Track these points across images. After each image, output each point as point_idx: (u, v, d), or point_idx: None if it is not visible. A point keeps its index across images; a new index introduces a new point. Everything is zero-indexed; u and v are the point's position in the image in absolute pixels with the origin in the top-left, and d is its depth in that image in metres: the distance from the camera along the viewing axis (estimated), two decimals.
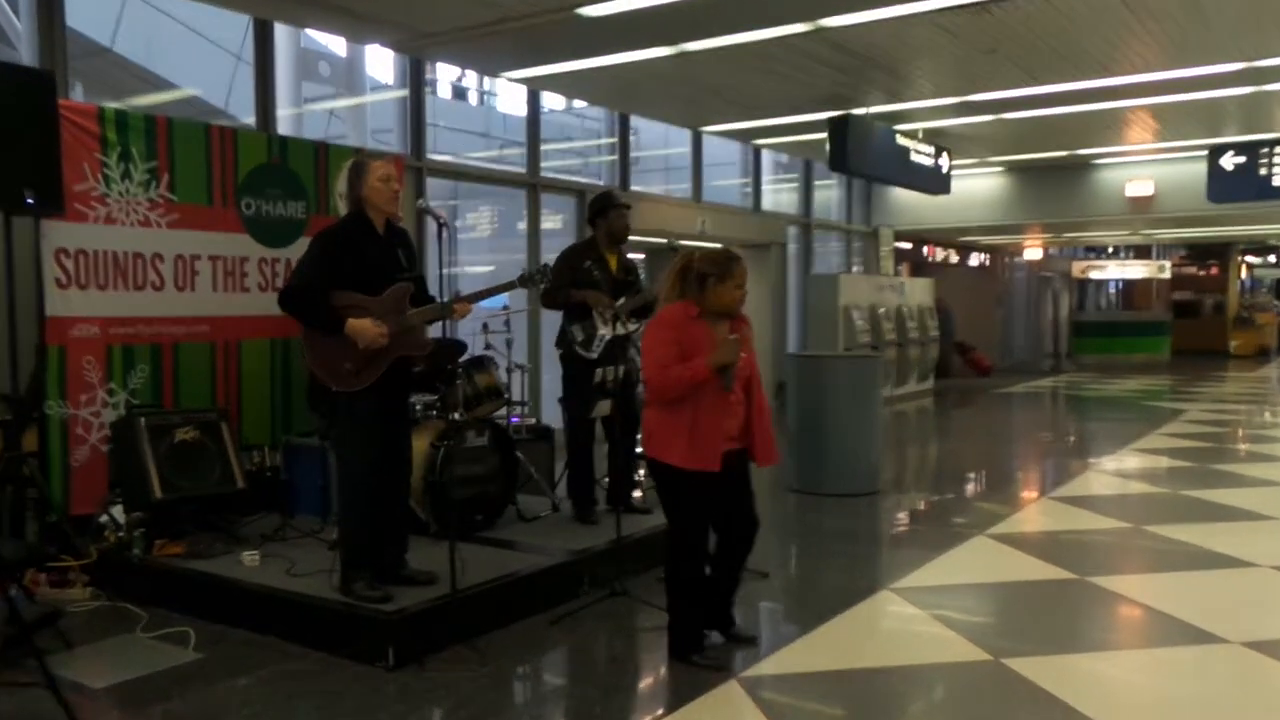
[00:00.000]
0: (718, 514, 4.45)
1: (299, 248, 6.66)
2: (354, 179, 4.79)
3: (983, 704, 4.16)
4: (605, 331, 6.07)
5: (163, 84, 9.70)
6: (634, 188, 12.38)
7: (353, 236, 4.75)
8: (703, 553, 4.42)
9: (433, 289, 5.07)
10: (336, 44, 10.63)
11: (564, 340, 6.28)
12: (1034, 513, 8.01)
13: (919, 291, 17.54)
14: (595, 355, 6.06)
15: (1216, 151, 13.39)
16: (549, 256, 10.94)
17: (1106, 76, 10.03)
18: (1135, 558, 6.50)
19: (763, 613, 5.47)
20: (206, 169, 6.24)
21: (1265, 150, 13.10)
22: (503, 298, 7.13)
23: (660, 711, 4.08)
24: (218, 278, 6.30)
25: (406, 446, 5.03)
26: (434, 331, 5.20)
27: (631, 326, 6.26)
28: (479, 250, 12.55)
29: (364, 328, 4.62)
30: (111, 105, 6.07)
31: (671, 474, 4.32)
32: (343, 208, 6.12)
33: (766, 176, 15.69)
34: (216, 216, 6.30)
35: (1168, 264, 29.57)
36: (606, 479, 6.56)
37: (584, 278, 6.15)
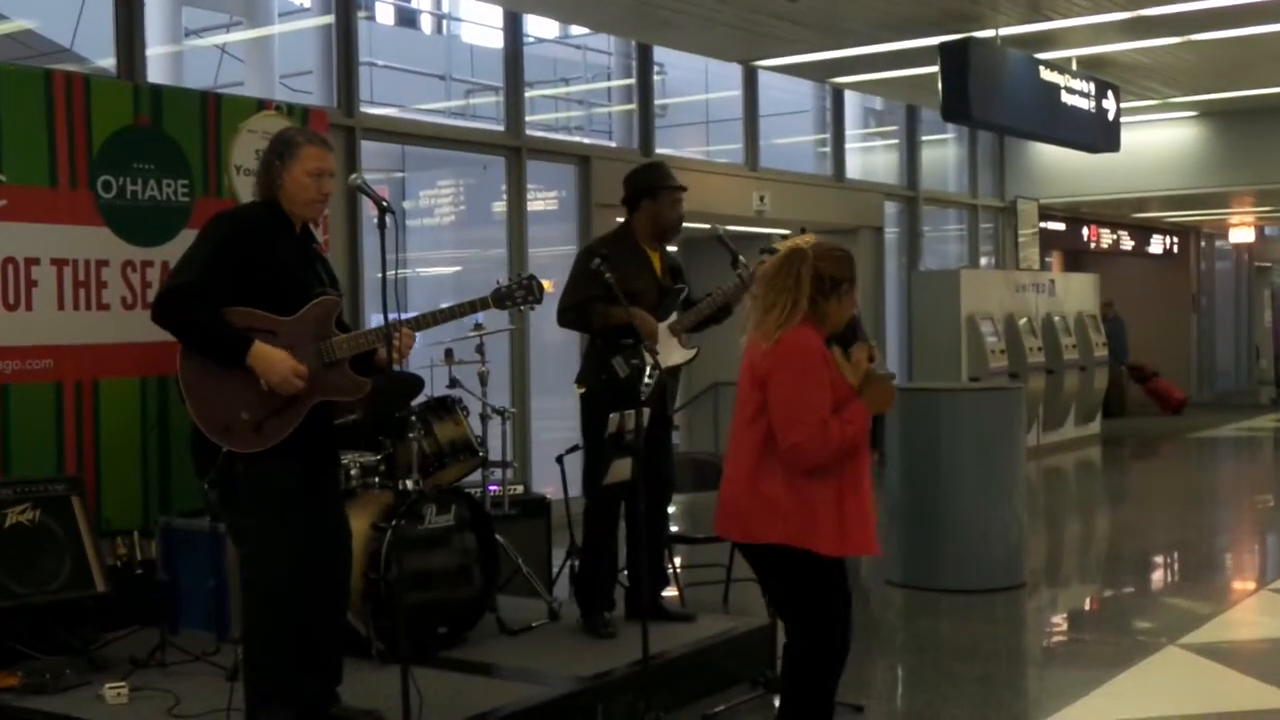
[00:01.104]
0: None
1: (181, 245, 6.69)
2: (275, 157, 4.80)
3: None
4: (655, 362, 5.94)
5: None
6: (660, 150, 12.44)
7: (265, 228, 4.78)
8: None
9: (373, 299, 5.08)
10: None
11: (593, 376, 6.27)
12: (1250, 612, 7.93)
13: (1078, 292, 17.45)
14: (645, 393, 6.01)
15: None
16: (540, 252, 11.02)
17: None
18: None
19: None
20: (47, 135, 6.27)
21: None
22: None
23: None
24: (65, 290, 6.33)
25: (342, 530, 5.05)
26: None
27: (689, 353, 6.31)
28: (440, 243, 12.62)
29: (275, 359, 4.62)
30: None
31: (814, 567, 4.39)
32: (244, 191, 6.15)
33: (852, 131, 15.69)
34: (62, 203, 6.33)
35: None
36: (624, 572, 6.55)
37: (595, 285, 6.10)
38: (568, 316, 6.35)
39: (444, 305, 5.13)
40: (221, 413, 4.65)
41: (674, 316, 6.26)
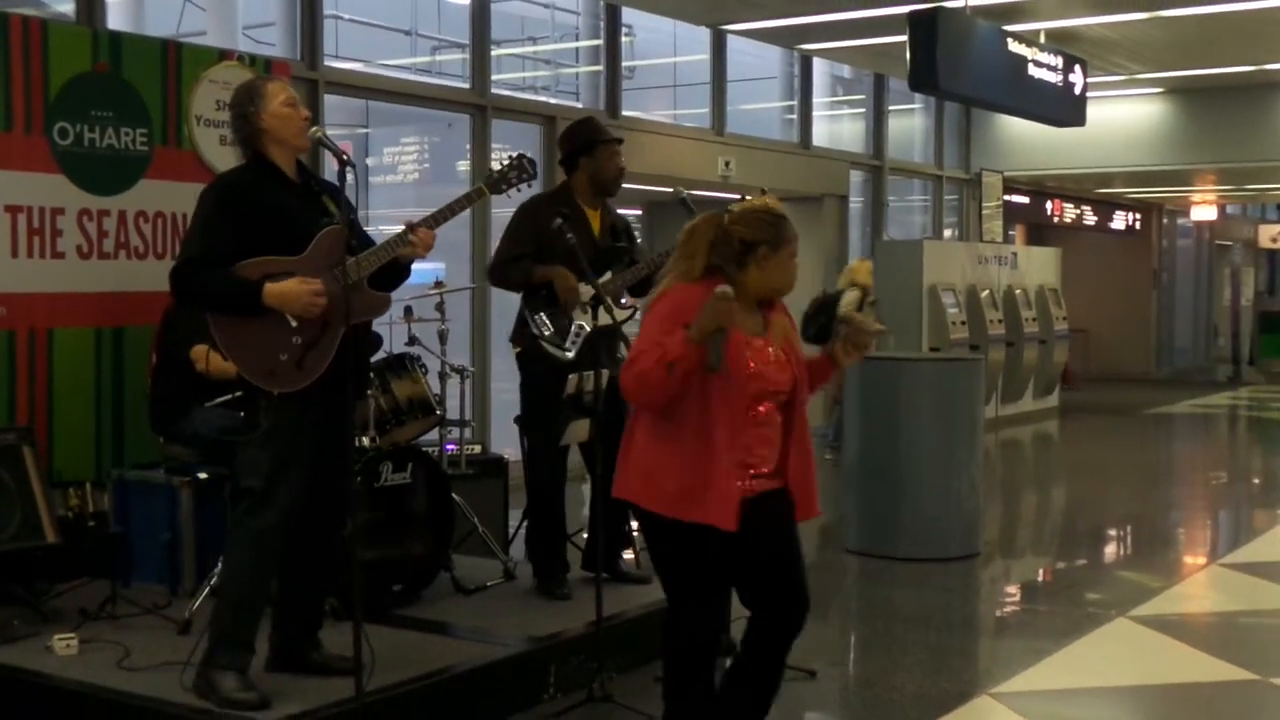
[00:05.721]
0: (746, 588, 4.37)
1: (140, 195, 6.66)
2: (247, 107, 4.84)
3: None
4: (584, 322, 6.06)
5: None
6: (626, 113, 12.38)
7: (254, 183, 4.83)
8: (709, 650, 4.34)
9: None
10: None
11: (523, 334, 6.27)
12: (1200, 586, 8.02)
13: (1039, 266, 17.53)
14: (570, 356, 6.06)
15: None
16: (504, 213, 10.96)
17: None
18: None
19: None
20: (3, 80, 6.22)
21: None
22: (435, 270, 7.15)
23: None
24: (19, 237, 6.28)
25: (348, 461, 5.03)
26: None
27: (624, 313, 6.24)
28: (402, 200, 12.55)
29: (286, 290, 4.68)
30: None
31: (658, 528, 4.24)
32: (204, 142, 6.19)
33: (820, 99, 15.68)
34: (17, 149, 6.28)
35: None
36: (584, 534, 6.56)
37: (553, 244, 6.13)
38: (495, 274, 6.38)
39: (447, 203, 5.09)
40: (262, 360, 4.76)
41: (608, 275, 6.21)
